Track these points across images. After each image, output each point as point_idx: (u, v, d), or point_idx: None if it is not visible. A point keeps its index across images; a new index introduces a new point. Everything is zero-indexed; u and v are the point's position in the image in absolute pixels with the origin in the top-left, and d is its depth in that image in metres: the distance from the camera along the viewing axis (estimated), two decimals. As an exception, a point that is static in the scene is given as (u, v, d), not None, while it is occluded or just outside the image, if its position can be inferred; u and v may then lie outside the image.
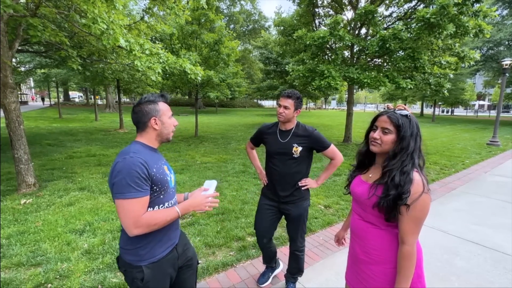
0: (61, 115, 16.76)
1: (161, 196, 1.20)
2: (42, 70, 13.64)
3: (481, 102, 43.48)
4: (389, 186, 1.07)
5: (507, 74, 9.36)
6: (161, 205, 1.21)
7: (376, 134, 1.15)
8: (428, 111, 39.69)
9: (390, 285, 1.13)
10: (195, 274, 1.47)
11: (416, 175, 1.07)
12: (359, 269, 1.24)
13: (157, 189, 1.17)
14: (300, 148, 1.83)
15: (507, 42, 20.57)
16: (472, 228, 3.26)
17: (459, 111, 42.23)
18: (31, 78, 23.56)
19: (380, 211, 1.11)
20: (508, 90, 23.72)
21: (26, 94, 41.47)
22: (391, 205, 1.06)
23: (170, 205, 1.25)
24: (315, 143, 1.87)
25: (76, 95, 51.43)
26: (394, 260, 1.12)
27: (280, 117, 1.82)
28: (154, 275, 1.19)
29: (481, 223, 3.38)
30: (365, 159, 1.30)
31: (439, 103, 25.45)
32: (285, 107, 1.79)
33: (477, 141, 10.92)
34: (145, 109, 1.20)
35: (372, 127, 1.21)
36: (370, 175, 1.23)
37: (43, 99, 37.99)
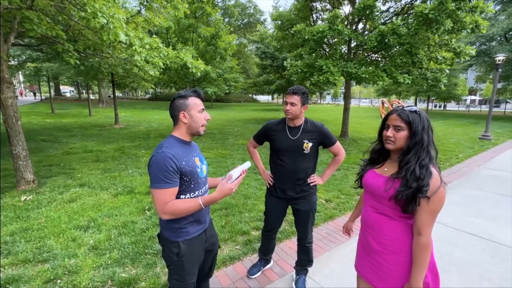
0: (54, 110, 16.41)
1: (192, 186, 1.34)
2: (34, 64, 13.28)
3: (473, 97, 44.22)
4: (408, 180, 1.10)
5: (500, 70, 9.53)
6: (192, 193, 1.35)
7: (389, 132, 1.19)
8: (420, 106, 40.17)
9: (406, 274, 1.18)
10: (215, 258, 1.67)
11: (433, 170, 1.11)
12: (373, 259, 1.28)
13: (187, 180, 1.31)
14: (310, 144, 1.85)
15: (499, 38, 20.85)
16: (469, 220, 3.37)
17: (451, 106, 42.88)
18: (20, 72, 22.97)
19: (397, 203, 1.15)
20: (499, 85, 24.16)
21: (16, 88, 40.41)
22: (410, 197, 1.10)
23: (200, 193, 1.39)
24: (324, 139, 1.89)
25: (67, 90, 50.29)
26: (409, 250, 1.17)
27: (288, 114, 1.82)
28: (188, 251, 1.36)
29: (478, 215, 3.50)
30: (379, 156, 1.34)
31: (432, 98, 25.81)
32: (292, 104, 1.78)
33: (470, 135, 11.15)
34: (176, 104, 1.33)
35: (384, 125, 1.25)
36: (386, 169, 1.27)
37: (35, 94, 37.13)
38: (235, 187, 1.29)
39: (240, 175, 1.38)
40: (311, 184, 1.95)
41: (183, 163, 1.28)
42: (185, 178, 1.29)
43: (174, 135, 1.36)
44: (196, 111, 1.33)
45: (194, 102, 1.34)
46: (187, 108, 1.32)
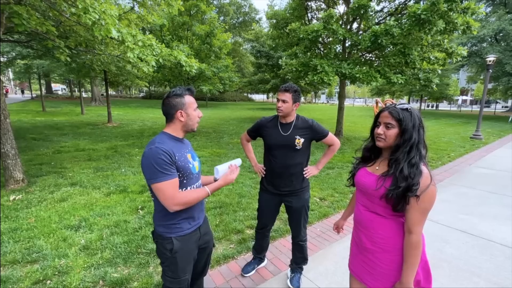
0: (45, 108, 16.10)
1: (184, 181, 1.34)
2: (24, 61, 12.98)
3: (464, 97, 45.01)
4: (398, 178, 1.10)
5: (490, 70, 9.71)
6: (184, 188, 1.35)
7: (380, 130, 1.19)
8: (413, 105, 40.66)
9: (397, 273, 1.18)
10: (210, 256, 1.67)
11: (424, 168, 1.11)
12: (366, 257, 1.28)
13: (180, 175, 1.31)
14: (302, 140, 1.87)
15: (490, 39, 21.26)
16: (460, 217, 3.43)
17: (443, 106, 43.55)
18: (10, 69, 22.44)
19: (387, 202, 1.15)
20: (489, 86, 24.66)
21: (5, 85, 39.52)
22: (400, 196, 1.10)
23: (192, 189, 1.39)
24: (315, 134, 1.93)
25: (58, 88, 49.34)
26: (401, 248, 1.17)
27: (279, 111, 1.84)
28: (181, 248, 1.36)
29: (468, 213, 3.56)
30: (371, 154, 1.34)
31: (425, 98, 26.18)
32: (283, 101, 1.81)
33: (461, 134, 11.35)
34: (172, 102, 1.33)
35: (376, 123, 1.25)
36: (377, 168, 1.27)
37: (22, 92, 36.44)
38: (235, 175, 1.42)
39: (232, 167, 1.47)
40: (306, 176, 1.97)
41: (176, 157, 1.29)
42: (178, 173, 1.30)
43: (166, 131, 1.36)
44: (192, 109, 1.36)
45: (190, 101, 1.36)
46: (184, 106, 1.34)
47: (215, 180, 1.51)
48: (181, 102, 1.33)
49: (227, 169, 1.48)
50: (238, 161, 1.54)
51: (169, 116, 1.35)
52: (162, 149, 1.23)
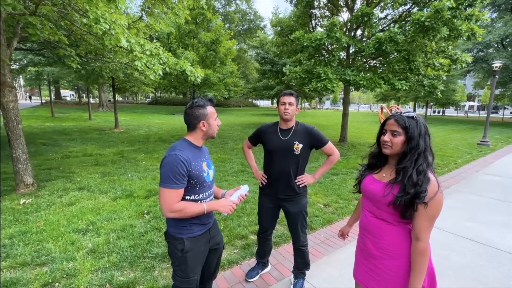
0: (54, 113, 16.46)
1: (197, 188, 1.42)
2: (35, 68, 13.36)
3: (471, 103, 44.51)
4: (406, 185, 1.12)
5: (497, 76, 9.63)
6: (196, 195, 1.43)
7: (386, 137, 1.22)
8: (420, 111, 40.38)
9: (404, 279, 1.18)
10: (220, 258, 1.74)
11: (431, 176, 1.13)
12: (372, 264, 1.28)
13: (193, 183, 1.39)
14: (301, 146, 1.91)
15: (496, 45, 21.11)
16: (466, 225, 3.39)
17: (450, 112, 43.09)
18: (20, 76, 23.09)
19: (395, 209, 1.16)
20: (497, 92, 24.37)
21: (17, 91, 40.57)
22: (408, 203, 1.11)
23: (204, 196, 1.47)
24: (314, 140, 1.96)
25: (67, 94, 50.45)
26: (407, 255, 1.18)
27: (286, 113, 1.88)
28: (192, 248, 1.42)
29: (475, 220, 3.51)
30: (377, 161, 1.35)
31: (431, 103, 25.99)
32: (290, 104, 1.88)
33: (468, 141, 11.20)
34: (195, 113, 1.40)
35: (382, 131, 1.27)
36: (384, 175, 1.28)
37: (30, 98, 37.42)
38: (234, 206, 1.46)
39: (239, 199, 1.53)
40: (300, 185, 1.99)
41: (191, 166, 1.36)
42: (191, 181, 1.38)
43: (187, 139, 1.44)
44: (213, 119, 1.45)
45: (212, 111, 1.45)
46: (207, 117, 1.42)
47: (223, 196, 1.62)
48: (204, 113, 1.41)
49: (235, 198, 1.54)
50: (245, 188, 1.59)
51: (192, 125, 1.42)
52: (180, 158, 1.30)
